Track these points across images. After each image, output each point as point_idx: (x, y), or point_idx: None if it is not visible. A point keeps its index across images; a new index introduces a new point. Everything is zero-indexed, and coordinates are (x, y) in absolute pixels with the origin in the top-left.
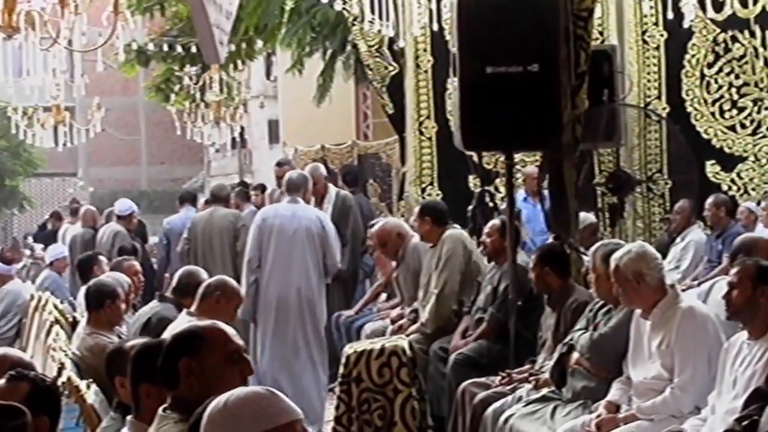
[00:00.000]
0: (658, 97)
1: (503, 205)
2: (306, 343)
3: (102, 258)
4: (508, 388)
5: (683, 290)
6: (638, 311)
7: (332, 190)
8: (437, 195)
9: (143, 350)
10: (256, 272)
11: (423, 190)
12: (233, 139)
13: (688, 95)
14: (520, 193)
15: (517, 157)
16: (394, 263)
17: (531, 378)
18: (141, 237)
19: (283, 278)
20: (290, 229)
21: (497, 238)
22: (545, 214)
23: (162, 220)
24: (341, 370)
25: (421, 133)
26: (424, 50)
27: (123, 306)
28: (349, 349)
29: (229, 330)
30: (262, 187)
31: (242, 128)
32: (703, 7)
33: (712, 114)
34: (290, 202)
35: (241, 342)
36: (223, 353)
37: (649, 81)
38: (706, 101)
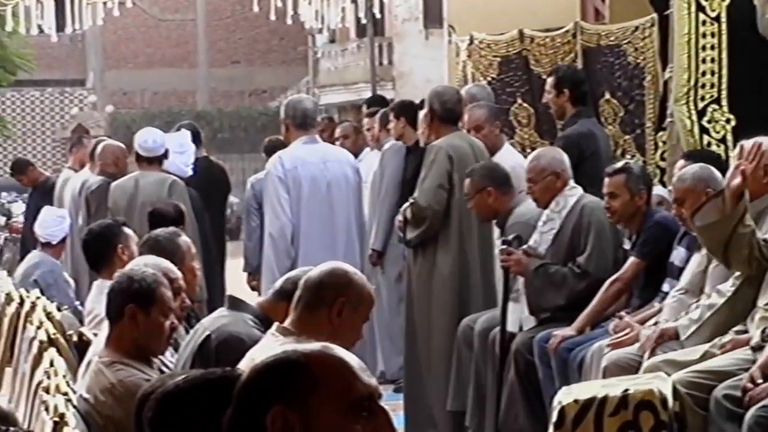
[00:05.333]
0: None
1: None
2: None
3: (128, 231)
4: None
5: None
6: None
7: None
8: (726, 120)
9: (197, 393)
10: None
11: (701, 112)
12: (360, 20)
13: None
14: None
15: None
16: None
17: None
18: (205, 192)
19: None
20: (323, 182)
21: None
22: None
23: (234, 162)
24: None
25: (701, 9)
26: None
27: (170, 318)
28: (565, 395)
29: (355, 362)
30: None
31: (378, 2)
32: None
33: None
34: (308, 143)
35: (372, 382)
36: (344, 401)
37: None
38: None
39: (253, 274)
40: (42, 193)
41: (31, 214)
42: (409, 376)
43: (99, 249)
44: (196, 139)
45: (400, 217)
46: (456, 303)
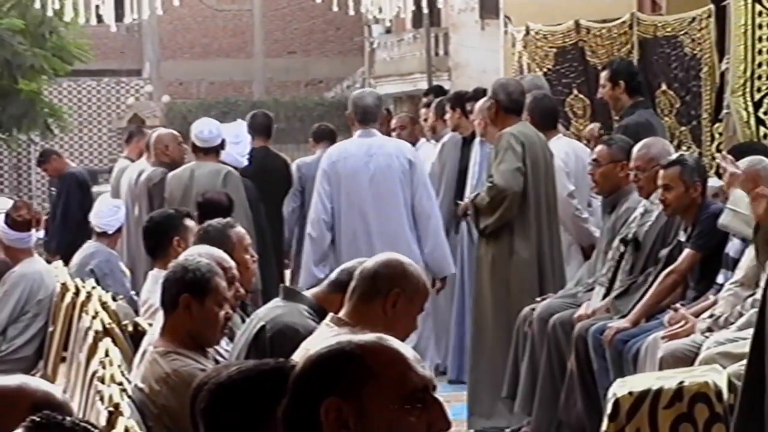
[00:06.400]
0: None
1: None
2: None
3: (189, 223)
4: None
5: None
6: None
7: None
8: None
9: (250, 384)
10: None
11: (757, 104)
12: (417, 11)
13: None
14: None
15: None
16: None
17: None
18: (262, 183)
19: (356, 248)
20: (365, 175)
21: None
22: None
23: (290, 152)
24: (604, 425)
25: (758, 1)
26: None
27: (224, 307)
28: (619, 387)
29: (409, 353)
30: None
31: None
32: None
33: None
34: (362, 136)
35: (427, 373)
36: (399, 392)
37: None
38: None
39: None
40: (69, 184)
41: (59, 204)
42: (476, 365)
43: (156, 238)
44: (266, 130)
45: (464, 207)
46: (535, 288)
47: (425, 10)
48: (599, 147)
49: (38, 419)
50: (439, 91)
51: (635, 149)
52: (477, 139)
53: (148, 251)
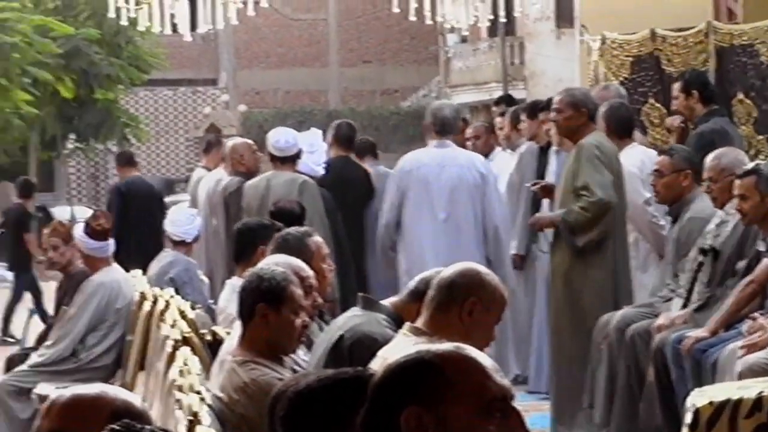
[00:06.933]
0: None
1: None
2: None
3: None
4: None
5: None
6: None
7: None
8: None
9: (329, 392)
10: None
11: None
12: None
13: None
14: None
15: None
16: None
17: None
18: (340, 193)
19: (420, 255)
20: (436, 186)
21: None
22: None
23: (370, 161)
24: None
25: None
26: None
27: (301, 316)
28: (699, 396)
29: (488, 362)
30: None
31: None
32: None
33: None
34: (437, 147)
35: (505, 382)
36: (477, 402)
37: None
38: None
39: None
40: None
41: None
42: (556, 375)
43: (244, 244)
44: (349, 141)
45: (539, 222)
46: (610, 300)
47: (502, 20)
48: (661, 157)
49: (117, 428)
50: (509, 100)
51: (707, 160)
52: (553, 149)
53: (234, 255)
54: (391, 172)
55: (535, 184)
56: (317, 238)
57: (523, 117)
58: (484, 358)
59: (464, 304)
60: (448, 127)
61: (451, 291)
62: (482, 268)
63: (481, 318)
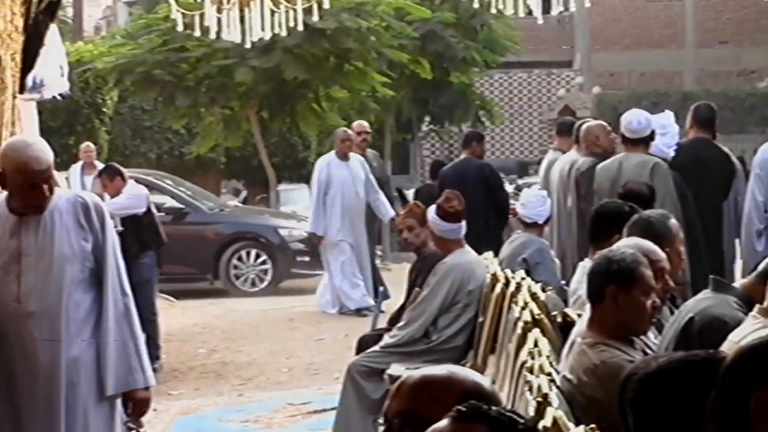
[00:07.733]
0: None
1: None
2: None
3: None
4: None
5: None
6: None
7: None
8: None
9: (679, 375)
10: None
11: None
12: None
13: None
14: None
15: None
16: None
17: None
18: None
19: None
20: None
21: None
22: None
23: (721, 143)
24: None
25: None
26: None
27: (651, 297)
28: None
29: None
30: None
31: None
32: None
33: None
34: None
35: None
36: None
37: None
38: None
39: None
40: None
41: None
42: None
43: (600, 226)
44: (708, 123)
45: None
46: None
47: None
48: None
49: (464, 409)
50: None
51: None
52: None
53: (589, 236)
54: None
55: None
56: (675, 221)
57: None
58: None
59: None
60: None
61: None
62: None
63: None
